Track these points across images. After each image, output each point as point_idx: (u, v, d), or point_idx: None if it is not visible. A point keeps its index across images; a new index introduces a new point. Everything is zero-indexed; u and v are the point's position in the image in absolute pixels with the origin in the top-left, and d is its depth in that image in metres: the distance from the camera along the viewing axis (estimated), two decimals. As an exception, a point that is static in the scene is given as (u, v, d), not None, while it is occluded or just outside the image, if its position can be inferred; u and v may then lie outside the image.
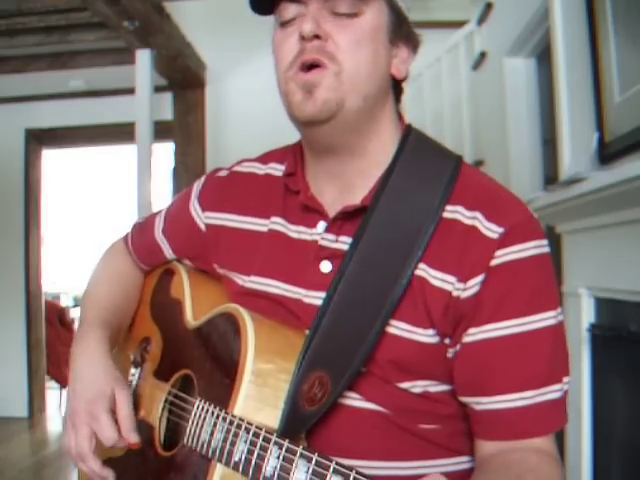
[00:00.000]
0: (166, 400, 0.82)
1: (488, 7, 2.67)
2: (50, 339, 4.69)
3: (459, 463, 0.75)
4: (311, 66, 0.71)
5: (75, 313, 6.45)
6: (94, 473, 0.77)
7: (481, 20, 2.76)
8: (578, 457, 1.68)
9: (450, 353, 0.72)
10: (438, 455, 0.74)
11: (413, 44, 0.79)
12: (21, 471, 3.27)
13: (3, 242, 4.39)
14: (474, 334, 0.69)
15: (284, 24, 0.74)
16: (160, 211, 0.99)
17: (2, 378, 4.34)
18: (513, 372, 0.68)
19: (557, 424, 0.70)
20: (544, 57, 2.34)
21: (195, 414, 0.73)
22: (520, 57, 2.51)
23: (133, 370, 0.92)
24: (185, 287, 0.90)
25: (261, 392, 0.68)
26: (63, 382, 4.90)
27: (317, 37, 0.70)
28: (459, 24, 3.04)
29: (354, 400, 0.72)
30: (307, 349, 0.71)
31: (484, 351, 0.69)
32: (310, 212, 0.79)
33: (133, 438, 0.76)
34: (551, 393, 0.69)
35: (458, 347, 0.71)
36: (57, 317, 4.97)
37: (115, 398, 0.77)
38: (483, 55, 2.75)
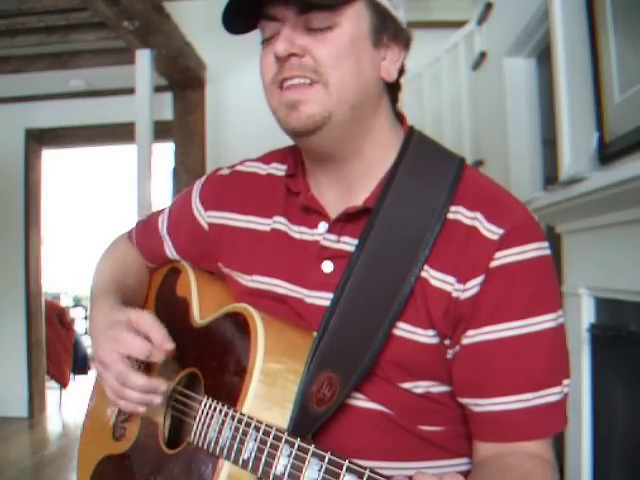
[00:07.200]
0: (170, 397, 0.82)
1: (488, 7, 2.67)
2: (50, 339, 4.69)
3: (459, 465, 0.75)
4: (291, 84, 0.70)
5: (75, 313, 6.45)
6: (143, 388, 0.73)
7: (481, 20, 2.76)
8: (578, 457, 1.68)
9: (449, 354, 0.72)
10: (439, 456, 0.74)
11: (404, 41, 0.76)
12: (21, 471, 3.27)
13: (3, 242, 4.39)
14: (472, 336, 0.69)
15: (265, 42, 0.74)
16: (162, 210, 0.99)
17: (2, 378, 4.33)
18: (511, 374, 0.68)
19: (555, 427, 0.70)
20: (544, 57, 2.34)
21: (202, 412, 0.73)
22: (520, 57, 2.51)
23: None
24: (192, 286, 0.90)
25: (270, 392, 0.68)
26: (63, 382, 4.90)
27: (294, 55, 0.69)
28: (459, 24, 3.04)
29: (357, 400, 0.72)
30: (315, 350, 0.71)
31: (482, 353, 0.69)
32: (311, 213, 0.79)
33: (168, 345, 0.73)
34: (549, 396, 0.68)
35: (457, 348, 0.71)
36: (57, 317, 4.98)
37: (132, 321, 0.75)
38: (483, 55, 2.75)
